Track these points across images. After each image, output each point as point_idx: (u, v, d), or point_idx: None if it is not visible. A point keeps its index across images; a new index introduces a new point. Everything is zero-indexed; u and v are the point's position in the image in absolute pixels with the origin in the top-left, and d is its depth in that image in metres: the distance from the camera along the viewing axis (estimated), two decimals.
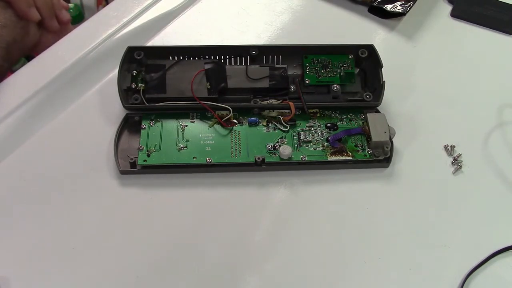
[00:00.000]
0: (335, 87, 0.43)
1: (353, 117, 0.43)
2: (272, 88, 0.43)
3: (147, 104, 0.42)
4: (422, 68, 0.48)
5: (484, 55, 0.49)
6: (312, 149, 0.41)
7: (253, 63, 0.44)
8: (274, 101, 0.43)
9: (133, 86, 0.42)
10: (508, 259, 0.37)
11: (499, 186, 0.41)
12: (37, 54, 0.47)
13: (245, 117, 0.42)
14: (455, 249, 0.38)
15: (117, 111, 0.42)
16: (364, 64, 0.44)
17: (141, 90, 0.42)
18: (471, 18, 0.51)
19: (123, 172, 0.40)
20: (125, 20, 0.49)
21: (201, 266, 0.36)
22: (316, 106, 0.43)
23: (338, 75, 0.43)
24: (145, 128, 0.41)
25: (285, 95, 0.43)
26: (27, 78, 0.44)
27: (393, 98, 0.44)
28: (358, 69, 0.44)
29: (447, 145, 0.42)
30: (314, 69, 0.43)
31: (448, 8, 0.53)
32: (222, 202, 0.39)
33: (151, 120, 0.41)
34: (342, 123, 0.42)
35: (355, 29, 0.50)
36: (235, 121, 0.42)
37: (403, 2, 0.50)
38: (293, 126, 0.42)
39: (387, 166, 0.41)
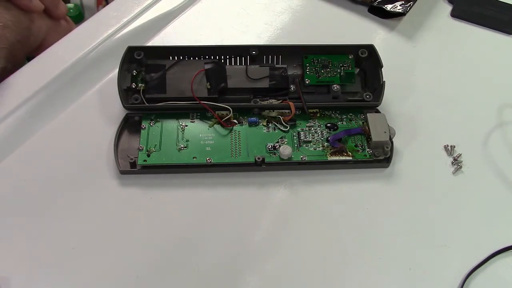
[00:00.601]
0: (335, 87, 0.43)
1: (353, 117, 0.43)
2: (272, 88, 0.43)
3: (147, 104, 0.42)
4: (422, 68, 0.48)
5: (484, 55, 0.49)
6: (312, 149, 0.41)
7: (253, 63, 0.44)
8: (274, 101, 0.43)
9: (133, 86, 0.42)
10: (508, 259, 0.37)
11: (499, 186, 0.41)
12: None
13: (245, 117, 0.42)
14: (455, 249, 0.38)
15: (117, 111, 0.42)
16: (364, 64, 0.44)
17: (141, 90, 0.42)
18: (471, 18, 0.51)
19: (123, 172, 0.40)
20: (125, 20, 0.49)
21: (201, 266, 0.36)
22: (316, 106, 0.43)
23: (338, 75, 0.43)
24: (145, 128, 0.41)
25: (285, 95, 0.43)
26: (27, 78, 0.44)
27: (393, 98, 0.44)
28: (358, 69, 0.44)
29: (447, 145, 0.42)
30: (314, 69, 0.43)
31: (448, 8, 0.53)
32: (222, 202, 0.39)
33: (151, 120, 0.41)
34: (342, 123, 0.42)
35: (355, 29, 0.50)
36: (235, 121, 0.42)
37: (403, 2, 0.50)
38: (293, 126, 0.42)
39: (387, 166, 0.41)
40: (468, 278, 0.36)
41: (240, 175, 0.40)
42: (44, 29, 0.49)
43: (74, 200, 0.39)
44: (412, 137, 0.43)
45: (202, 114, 0.42)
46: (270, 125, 0.42)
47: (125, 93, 0.42)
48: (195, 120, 0.42)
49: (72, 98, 0.44)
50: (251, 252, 0.37)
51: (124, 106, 0.41)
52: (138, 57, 0.43)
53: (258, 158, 0.39)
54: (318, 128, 0.42)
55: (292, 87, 0.43)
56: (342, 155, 0.40)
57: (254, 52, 0.43)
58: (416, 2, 0.50)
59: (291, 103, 0.42)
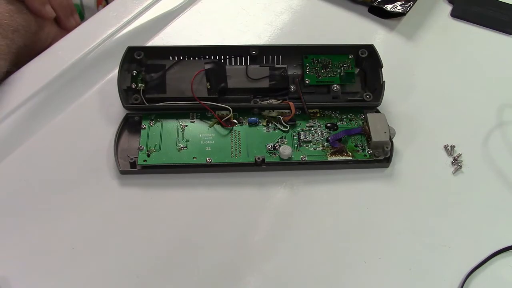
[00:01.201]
0: (335, 87, 0.43)
1: (353, 117, 0.43)
2: (272, 88, 0.43)
3: (147, 104, 0.42)
4: (422, 68, 0.48)
5: (484, 55, 0.49)
6: (312, 149, 0.41)
7: (253, 63, 0.44)
8: (274, 101, 0.43)
9: (133, 86, 0.42)
10: (508, 259, 0.37)
11: (499, 186, 0.41)
12: None
13: (245, 117, 0.42)
14: (455, 249, 0.38)
15: (117, 111, 0.42)
16: (364, 64, 0.44)
17: (141, 90, 0.42)
18: (471, 18, 0.51)
19: (123, 172, 0.40)
20: (125, 20, 0.49)
21: (201, 266, 0.36)
22: (316, 106, 0.43)
23: (338, 75, 0.43)
24: (145, 128, 0.41)
25: (285, 95, 0.43)
26: (27, 78, 0.44)
27: (393, 98, 0.44)
28: (358, 69, 0.44)
29: (447, 145, 0.42)
30: (314, 69, 0.43)
31: (448, 8, 0.52)
32: (222, 202, 0.39)
33: (151, 120, 0.41)
34: (342, 123, 0.42)
35: (355, 29, 0.50)
36: (235, 121, 0.42)
37: (403, 2, 0.50)
38: (293, 126, 0.42)
39: (387, 166, 0.41)
40: (468, 278, 0.36)
41: (240, 175, 0.40)
42: (52, 36, 0.49)
43: (74, 200, 0.39)
44: (412, 137, 0.43)
45: (202, 114, 0.42)
46: (270, 125, 0.42)
47: (125, 93, 0.42)
48: (195, 120, 0.42)
49: (72, 98, 0.44)
50: (251, 252, 0.37)
51: (124, 106, 0.41)
52: (138, 57, 0.43)
53: (258, 158, 0.39)
54: (318, 128, 0.42)
55: (292, 87, 0.43)
56: (342, 155, 0.40)
57: (254, 52, 0.43)
58: (416, 2, 0.50)
59: (291, 103, 0.42)
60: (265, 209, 0.39)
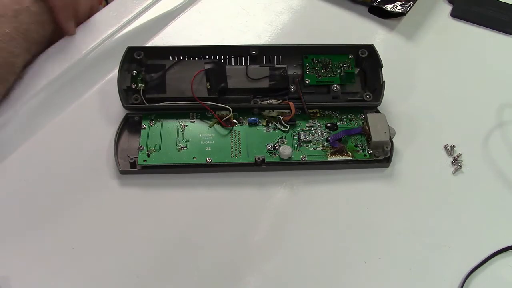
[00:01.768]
0: (335, 87, 0.43)
1: (353, 117, 0.43)
2: (272, 88, 0.43)
3: (147, 104, 0.42)
4: (422, 68, 0.48)
5: (484, 55, 0.49)
6: (312, 149, 0.41)
7: (253, 63, 0.44)
8: (274, 101, 0.43)
9: (133, 86, 0.42)
10: (508, 259, 0.37)
11: (499, 186, 0.41)
12: None
13: (245, 117, 0.42)
14: (455, 249, 0.38)
15: (117, 111, 0.42)
16: (364, 64, 0.44)
17: (141, 90, 0.42)
18: (471, 18, 0.51)
19: (123, 172, 0.40)
20: (125, 20, 0.49)
21: (201, 266, 0.36)
22: (316, 106, 0.43)
23: (338, 75, 0.43)
24: (145, 128, 0.41)
25: (285, 95, 0.43)
26: (27, 78, 0.44)
27: (393, 98, 0.44)
28: (358, 69, 0.44)
29: (447, 145, 0.42)
30: (314, 69, 0.43)
31: (448, 8, 0.52)
32: (222, 202, 0.39)
33: (151, 120, 0.41)
34: (342, 123, 0.42)
35: (355, 29, 0.50)
36: (235, 121, 0.42)
37: (403, 2, 0.50)
38: (293, 126, 0.42)
39: (387, 166, 0.41)
40: (468, 278, 0.36)
41: (240, 175, 0.40)
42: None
43: (74, 200, 0.39)
44: (412, 137, 0.43)
45: (202, 114, 0.42)
46: (270, 125, 0.42)
47: (125, 93, 0.42)
48: (195, 120, 0.42)
49: (72, 98, 0.44)
50: (251, 252, 0.37)
51: (124, 106, 0.41)
52: (138, 57, 0.43)
53: (258, 158, 0.39)
54: (318, 128, 0.42)
55: (292, 87, 0.43)
56: (342, 155, 0.40)
57: (254, 52, 0.43)
58: (416, 2, 0.50)
59: (291, 103, 0.42)
60: (265, 209, 0.39)
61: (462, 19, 0.52)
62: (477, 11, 0.52)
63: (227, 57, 0.44)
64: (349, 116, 0.43)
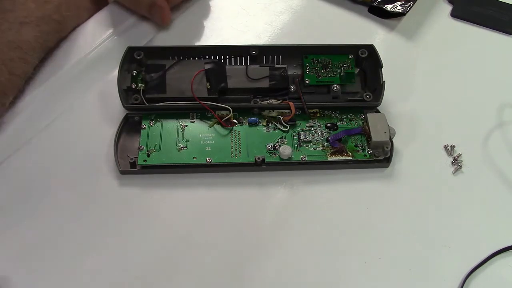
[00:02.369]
0: (335, 87, 0.43)
1: (353, 117, 0.43)
2: (272, 88, 0.43)
3: (147, 104, 0.42)
4: (422, 68, 0.48)
5: (484, 55, 0.49)
6: (312, 149, 0.41)
7: (253, 63, 0.44)
8: (274, 101, 0.43)
9: (133, 86, 0.42)
10: (508, 259, 0.37)
11: (499, 186, 0.41)
12: None
13: (245, 117, 0.42)
14: (455, 249, 0.38)
15: (117, 111, 0.42)
16: (364, 64, 0.44)
17: (141, 90, 0.42)
18: (471, 18, 0.51)
19: (123, 172, 0.40)
20: (125, 20, 0.49)
21: (201, 266, 0.36)
22: (316, 106, 0.43)
23: (338, 75, 0.43)
24: (145, 128, 0.41)
25: (285, 95, 0.43)
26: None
27: (393, 98, 0.44)
28: (358, 69, 0.44)
29: (447, 145, 0.42)
30: (314, 69, 0.43)
31: (448, 8, 0.52)
32: (222, 202, 0.39)
33: (151, 120, 0.41)
34: (342, 123, 0.42)
35: (355, 29, 0.50)
36: (235, 121, 0.42)
37: (403, 2, 0.50)
38: (293, 126, 0.42)
39: (387, 166, 0.41)
40: (468, 278, 0.36)
41: (240, 175, 0.40)
42: None
43: (74, 200, 0.39)
44: (412, 137, 0.43)
45: (202, 114, 0.42)
46: (270, 125, 0.42)
47: (125, 93, 0.42)
48: (195, 120, 0.42)
49: (72, 98, 0.44)
50: (251, 252, 0.37)
51: (124, 106, 0.41)
52: (138, 57, 0.43)
53: (258, 158, 0.39)
54: (318, 128, 0.42)
55: (292, 87, 0.43)
56: (342, 155, 0.40)
57: (254, 52, 0.43)
58: (416, 2, 0.50)
59: (291, 103, 0.42)
60: (265, 209, 0.39)
61: (462, 19, 0.52)
62: (477, 11, 0.52)
63: (227, 57, 0.44)
64: (349, 116, 0.43)
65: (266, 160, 0.40)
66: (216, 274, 0.36)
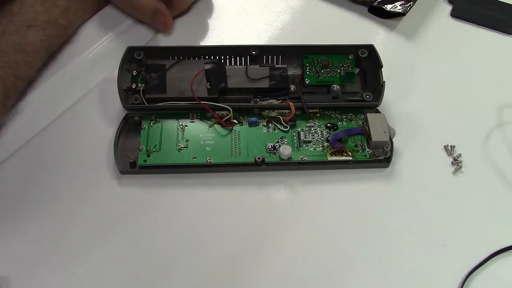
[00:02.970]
0: (335, 87, 0.43)
1: (353, 117, 0.43)
2: (272, 88, 0.43)
3: (147, 104, 0.42)
4: (422, 68, 0.48)
5: (484, 55, 0.49)
6: (312, 149, 0.41)
7: (253, 63, 0.44)
8: (274, 101, 0.43)
9: (133, 86, 0.42)
10: (508, 259, 0.37)
11: (499, 186, 0.41)
12: None
13: (245, 117, 0.42)
14: (455, 249, 0.38)
15: (117, 111, 0.42)
16: (364, 64, 0.44)
17: (141, 90, 0.42)
18: (471, 18, 0.51)
19: (123, 172, 0.40)
20: (125, 20, 0.49)
21: (201, 266, 0.36)
22: (316, 106, 0.43)
23: (338, 75, 0.43)
24: (145, 128, 0.41)
25: (285, 95, 0.43)
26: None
27: (393, 98, 0.44)
28: (358, 69, 0.44)
29: (447, 145, 0.42)
30: (314, 69, 0.43)
31: (448, 8, 0.52)
32: (222, 202, 0.39)
33: (151, 120, 0.41)
34: (342, 123, 0.42)
35: (355, 29, 0.50)
36: (235, 121, 0.42)
37: (403, 2, 0.50)
38: (293, 126, 0.42)
39: (387, 166, 0.41)
40: (468, 278, 0.36)
41: (240, 175, 0.40)
42: None
43: (74, 200, 0.39)
44: (412, 137, 0.43)
45: (202, 114, 0.42)
46: (270, 125, 0.42)
47: (125, 93, 0.42)
48: (195, 120, 0.42)
49: (72, 98, 0.44)
50: (251, 252, 0.37)
51: (124, 106, 0.41)
52: (138, 57, 0.43)
53: (258, 158, 0.39)
54: (318, 128, 0.42)
55: (292, 87, 0.43)
56: (342, 155, 0.40)
57: (254, 52, 0.43)
58: (416, 2, 0.50)
59: (291, 103, 0.42)
60: (265, 209, 0.39)
61: (462, 19, 0.52)
62: (477, 11, 0.52)
63: (227, 57, 0.44)
64: (349, 116, 0.43)
65: (266, 160, 0.40)
66: (216, 274, 0.36)
